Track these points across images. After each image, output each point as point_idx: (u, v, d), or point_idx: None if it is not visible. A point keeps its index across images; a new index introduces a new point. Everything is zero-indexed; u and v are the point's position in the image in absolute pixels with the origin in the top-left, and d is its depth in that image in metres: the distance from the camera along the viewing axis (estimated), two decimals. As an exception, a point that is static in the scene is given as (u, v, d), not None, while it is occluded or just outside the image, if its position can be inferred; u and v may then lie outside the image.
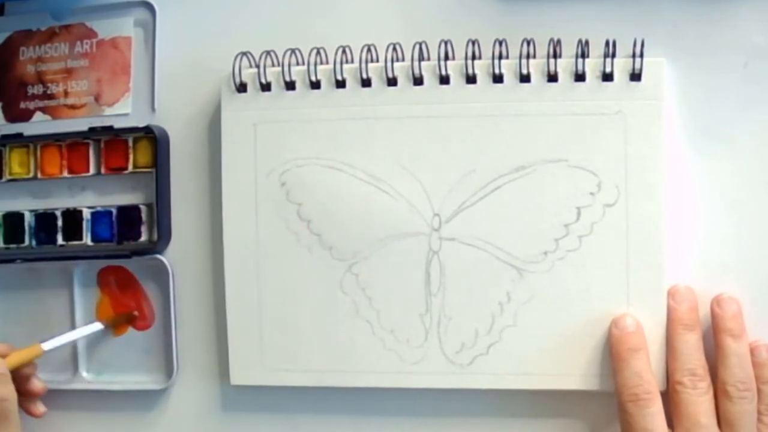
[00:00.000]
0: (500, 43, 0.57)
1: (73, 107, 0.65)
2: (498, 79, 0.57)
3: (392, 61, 0.58)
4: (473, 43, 0.57)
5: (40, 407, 0.64)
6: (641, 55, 0.54)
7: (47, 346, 0.61)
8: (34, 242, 0.65)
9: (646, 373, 0.53)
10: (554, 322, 0.56)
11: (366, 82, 0.59)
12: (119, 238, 0.64)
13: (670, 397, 0.54)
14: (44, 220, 0.64)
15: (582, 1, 0.57)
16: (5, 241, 0.65)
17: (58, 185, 0.65)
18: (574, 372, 0.56)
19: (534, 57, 0.56)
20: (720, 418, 0.53)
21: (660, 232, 0.55)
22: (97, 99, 0.65)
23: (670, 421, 0.53)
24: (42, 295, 0.66)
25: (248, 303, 0.61)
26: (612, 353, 0.55)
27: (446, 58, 0.57)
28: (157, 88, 0.64)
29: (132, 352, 0.65)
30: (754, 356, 0.54)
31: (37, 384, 0.63)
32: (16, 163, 0.65)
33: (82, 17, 0.65)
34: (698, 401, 0.52)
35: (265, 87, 0.60)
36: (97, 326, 0.63)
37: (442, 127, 0.58)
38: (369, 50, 0.59)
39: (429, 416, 0.60)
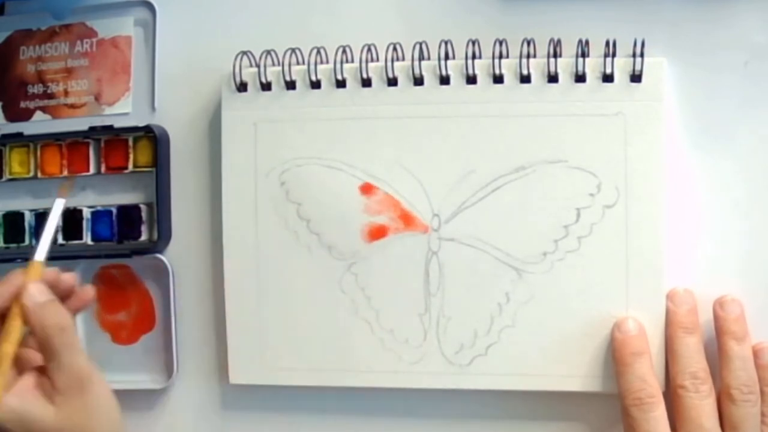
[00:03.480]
0: (500, 43, 0.56)
1: (73, 107, 0.65)
2: (498, 79, 0.57)
3: (392, 61, 0.58)
4: (473, 43, 0.57)
5: (88, 291, 0.59)
6: (641, 55, 0.54)
7: (39, 256, 0.56)
8: (34, 242, 0.65)
9: (649, 376, 0.53)
10: (553, 323, 0.56)
11: (366, 82, 0.59)
12: (119, 237, 0.64)
13: (672, 401, 0.53)
14: (44, 219, 0.64)
15: (582, 1, 0.57)
16: (5, 241, 0.65)
17: (59, 185, 0.65)
18: (574, 373, 0.56)
19: (534, 57, 0.56)
20: (723, 421, 0.52)
21: (659, 233, 0.55)
22: (97, 98, 0.65)
23: (673, 425, 0.53)
24: (42, 294, 0.66)
25: (248, 302, 0.61)
26: (615, 357, 0.55)
27: (446, 58, 0.57)
28: (157, 88, 0.64)
29: (132, 351, 0.65)
30: (758, 358, 0.53)
31: (66, 278, 0.57)
32: (16, 162, 0.65)
33: (83, 17, 0.65)
34: (701, 405, 0.52)
35: (266, 86, 0.60)
36: (60, 203, 0.59)
37: (442, 127, 0.58)
38: (369, 50, 0.58)
39: (428, 416, 0.60)
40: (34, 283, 0.54)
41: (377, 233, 0.59)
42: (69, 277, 0.57)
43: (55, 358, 0.53)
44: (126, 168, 0.63)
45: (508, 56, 0.57)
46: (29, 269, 0.55)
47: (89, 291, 0.59)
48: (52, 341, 0.53)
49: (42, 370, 0.54)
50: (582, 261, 0.56)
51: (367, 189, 0.58)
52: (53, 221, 0.58)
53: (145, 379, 0.64)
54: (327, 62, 0.59)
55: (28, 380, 0.53)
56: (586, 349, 0.56)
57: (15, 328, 0.53)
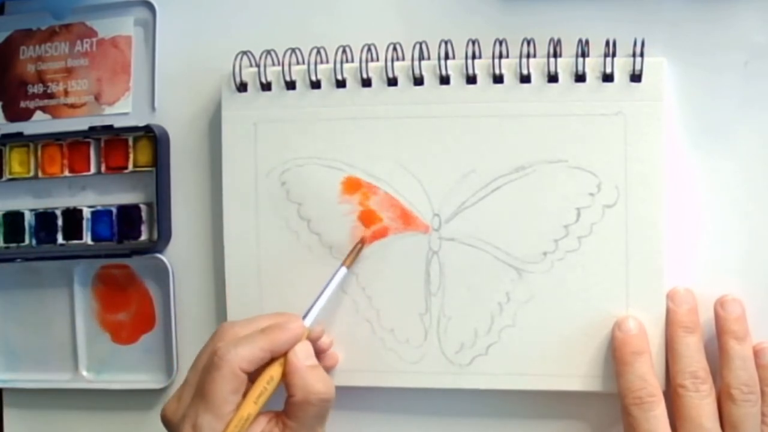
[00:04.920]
0: (500, 43, 0.56)
1: (73, 106, 0.65)
2: (498, 79, 0.57)
3: (392, 61, 0.58)
4: (473, 42, 0.57)
5: (335, 355, 0.59)
6: (641, 55, 0.54)
7: (308, 322, 0.56)
8: (34, 241, 0.65)
9: (649, 375, 0.53)
10: (553, 322, 0.56)
11: (366, 82, 0.59)
12: (119, 237, 0.64)
13: (672, 400, 0.53)
14: (44, 219, 0.64)
15: (582, 1, 0.57)
16: (5, 241, 0.65)
17: (59, 184, 0.65)
18: (574, 373, 0.56)
19: (534, 57, 0.56)
20: (724, 421, 0.52)
21: (659, 233, 0.55)
22: (97, 98, 0.65)
23: (673, 424, 0.53)
24: (42, 294, 0.66)
25: (248, 302, 0.60)
26: (615, 356, 0.55)
27: (446, 57, 0.57)
28: (157, 88, 0.64)
29: (132, 351, 0.65)
30: (758, 358, 0.53)
31: (325, 341, 0.58)
32: (17, 162, 0.65)
33: (82, 16, 0.65)
34: (701, 404, 0.52)
35: (266, 86, 0.60)
36: (343, 271, 0.58)
37: (442, 127, 0.58)
38: (369, 50, 0.58)
39: (428, 416, 0.60)
40: (303, 344, 0.54)
41: (377, 233, 0.59)
42: (327, 341, 0.58)
43: (303, 423, 0.52)
44: (126, 168, 0.63)
45: (508, 56, 0.57)
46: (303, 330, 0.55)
47: (336, 355, 0.59)
48: (309, 408, 0.52)
49: (273, 417, 0.53)
50: (582, 261, 0.56)
51: (357, 186, 0.59)
52: (330, 289, 0.57)
53: (145, 379, 0.64)
54: (327, 62, 0.59)
55: (258, 425, 0.53)
56: (586, 348, 0.56)
57: (267, 391, 0.53)
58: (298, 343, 0.54)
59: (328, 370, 0.58)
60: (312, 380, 0.53)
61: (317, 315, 0.56)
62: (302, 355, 0.54)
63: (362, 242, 0.58)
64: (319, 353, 0.57)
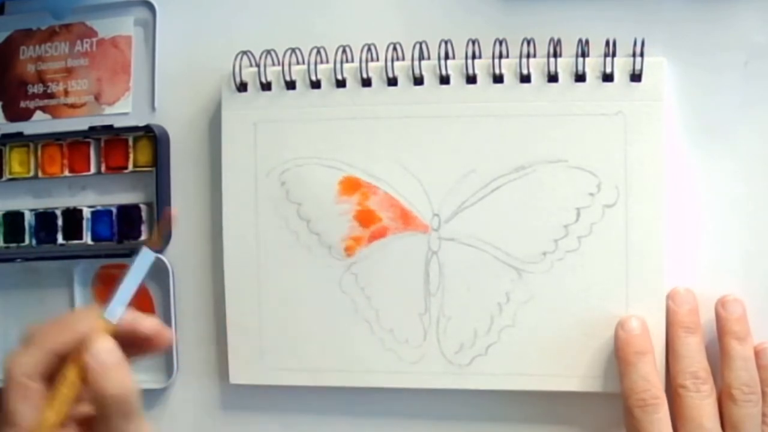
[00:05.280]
0: (500, 43, 0.56)
1: (73, 106, 0.65)
2: (498, 79, 0.57)
3: (392, 61, 0.58)
4: (473, 42, 0.57)
5: (166, 334, 0.51)
6: (641, 55, 0.54)
7: (111, 315, 0.48)
8: (34, 241, 0.65)
9: (652, 376, 0.53)
10: (553, 323, 0.56)
11: (366, 82, 0.59)
12: (119, 237, 0.64)
13: (672, 400, 0.53)
14: (44, 219, 0.64)
15: (582, 1, 0.57)
16: (5, 241, 0.65)
17: (59, 184, 0.65)
18: (574, 373, 0.56)
19: (534, 57, 0.56)
20: (724, 421, 0.52)
21: (659, 233, 0.55)
22: (97, 98, 0.65)
23: (674, 424, 0.53)
24: (42, 294, 0.66)
25: (248, 302, 0.61)
26: (618, 356, 0.55)
27: (446, 57, 0.57)
28: (157, 87, 0.64)
29: (132, 351, 0.65)
30: (759, 359, 0.53)
31: (147, 325, 0.50)
32: (17, 162, 0.65)
33: (82, 16, 0.65)
34: (701, 404, 0.52)
35: (266, 86, 0.60)
36: (150, 256, 0.50)
37: (442, 127, 0.58)
38: (369, 50, 0.58)
39: (427, 416, 0.60)
40: (102, 340, 0.47)
41: (377, 233, 0.59)
42: (149, 325, 0.50)
43: (108, 426, 0.48)
44: (126, 168, 0.63)
45: (508, 56, 0.57)
46: (98, 322, 0.48)
47: (167, 334, 0.51)
48: (108, 409, 0.47)
49: (84, 422, 0.50)
50: (582, 261, 0.56)
51: (356, 186, 0.59)
52: (138, 275, 0.49)
53: (145, 379, 0.64)
54: (327, 62, 0.59)
55: None
56: (586, 349, 0.56)
57: (66, 397, 0.47)
58: (89, 340, 0.47)
59: (159, 350, 0.51)
60: (104, 381, 0.46)
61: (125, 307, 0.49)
62: (99, 351, 0.47)
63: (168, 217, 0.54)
64: (144, 341, 0.50)
